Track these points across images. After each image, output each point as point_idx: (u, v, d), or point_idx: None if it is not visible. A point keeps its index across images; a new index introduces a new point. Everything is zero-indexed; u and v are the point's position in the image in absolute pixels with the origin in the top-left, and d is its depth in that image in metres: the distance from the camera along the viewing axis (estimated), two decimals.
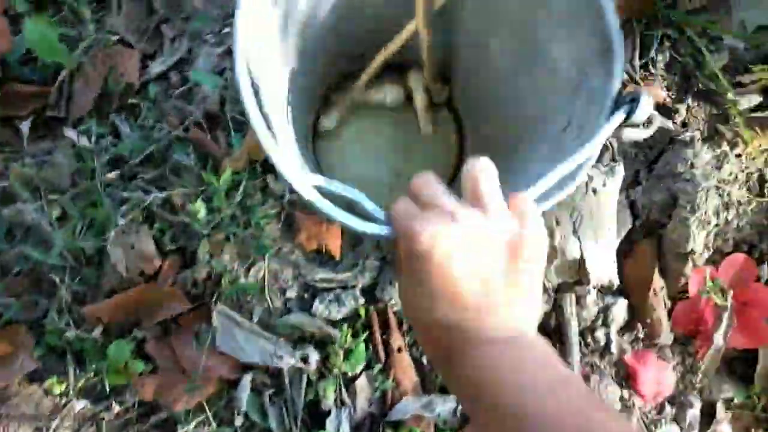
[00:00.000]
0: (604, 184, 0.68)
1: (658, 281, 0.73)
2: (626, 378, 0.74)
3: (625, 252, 0.75)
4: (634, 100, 0.42)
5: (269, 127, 0.39)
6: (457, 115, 0.73)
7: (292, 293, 0.70)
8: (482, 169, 0.37)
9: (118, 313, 0.68)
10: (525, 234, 0.35)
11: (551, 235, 0.68)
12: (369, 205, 0.39)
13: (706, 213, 0.70)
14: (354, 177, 0.70)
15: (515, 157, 0.56)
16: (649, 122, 0.44)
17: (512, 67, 0.58)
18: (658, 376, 0.73)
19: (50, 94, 0.74)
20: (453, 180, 0.70)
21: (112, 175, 0.72)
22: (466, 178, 0.37)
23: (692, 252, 0.71)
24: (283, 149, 0.43)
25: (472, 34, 0.61)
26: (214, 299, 0.69)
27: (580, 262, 0.70)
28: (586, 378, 0.72)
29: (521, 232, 0.35)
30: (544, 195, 0.41)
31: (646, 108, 0.42)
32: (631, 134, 0.44)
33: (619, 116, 0.42)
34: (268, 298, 0.70)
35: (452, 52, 0.66)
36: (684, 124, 0.82)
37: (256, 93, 0.40)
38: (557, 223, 0.67)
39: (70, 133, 0.73)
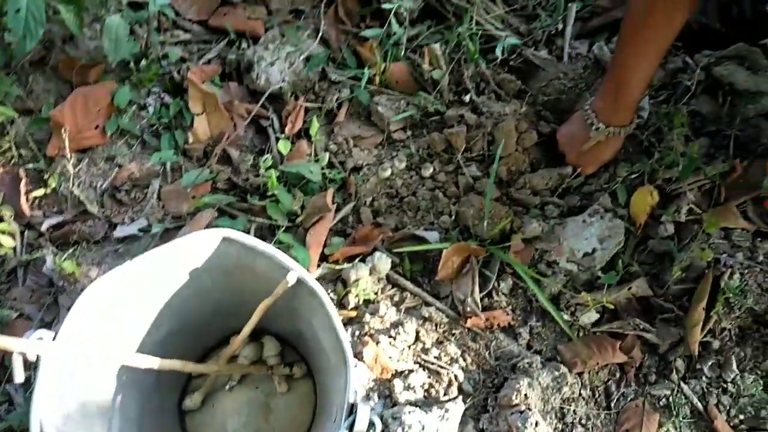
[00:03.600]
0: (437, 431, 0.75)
1: None
2: None
3: None
4: (355, 412, 0.51)
5: None
6: (312, 374, 0.83)
7: None
8: None
9: None
10: None
11: None
12: None
13: None
14: None
15: None
16: (372, 425, 0.52)
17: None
18: None
19: None
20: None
21: None
22: None
23: None
24: None
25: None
26: None
27: None
28: None
29: None
30: None
31: (362, 418, 0.50)
32: None
33: None
34: None
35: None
36: (529, 346, 0.91)
37: None
38: None
39: None
